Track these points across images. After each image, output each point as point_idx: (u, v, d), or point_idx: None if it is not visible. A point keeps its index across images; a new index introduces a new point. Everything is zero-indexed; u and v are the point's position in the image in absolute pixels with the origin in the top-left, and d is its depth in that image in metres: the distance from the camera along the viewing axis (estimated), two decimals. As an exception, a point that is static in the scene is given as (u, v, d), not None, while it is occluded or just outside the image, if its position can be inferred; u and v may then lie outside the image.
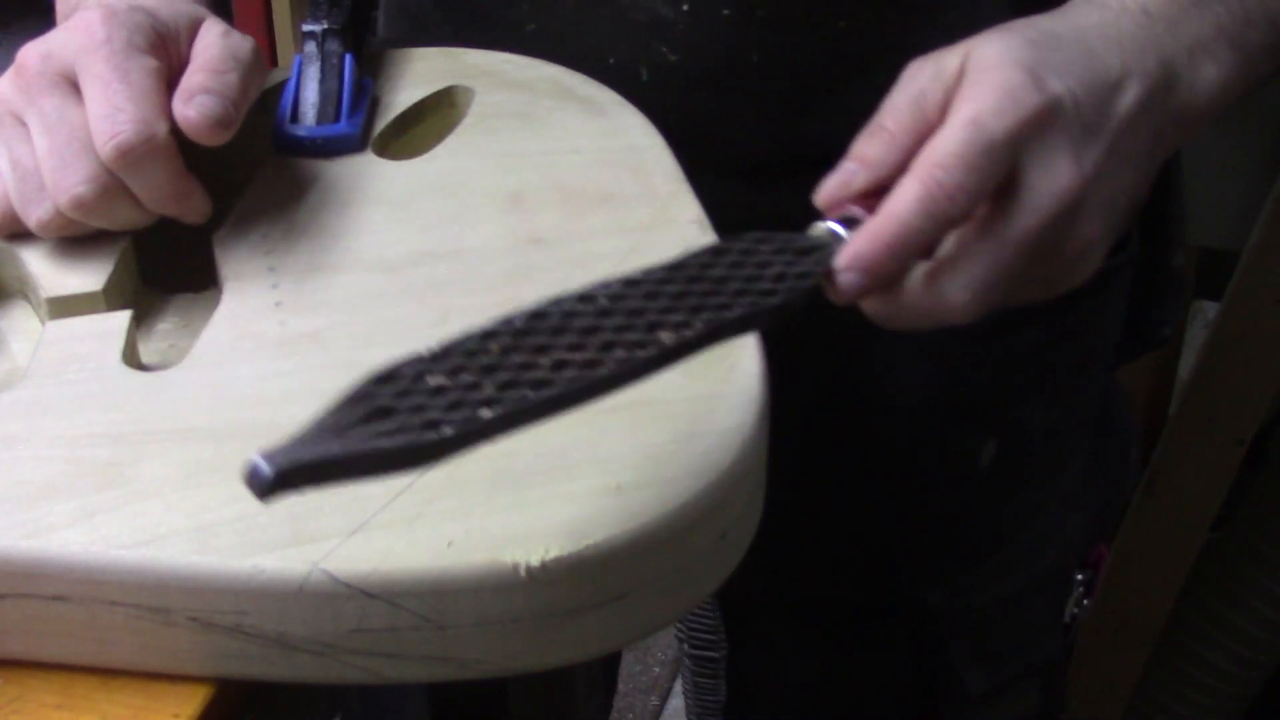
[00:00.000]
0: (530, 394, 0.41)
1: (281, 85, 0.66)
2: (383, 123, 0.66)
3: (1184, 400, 1.11)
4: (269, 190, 0.61)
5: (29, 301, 0.58)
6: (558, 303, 0.43)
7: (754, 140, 0.70)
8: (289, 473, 0.37)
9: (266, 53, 1.33)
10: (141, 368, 0.54)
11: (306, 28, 0.66)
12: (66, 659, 0.48)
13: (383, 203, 0.60)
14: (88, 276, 0.56)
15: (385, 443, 0.38)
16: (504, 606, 0.46)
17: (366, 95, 0.66)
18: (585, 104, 0.66)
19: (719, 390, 0.51)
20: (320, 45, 0.66)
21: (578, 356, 0.42)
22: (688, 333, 0.44)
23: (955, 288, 0.50)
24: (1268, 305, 1.03)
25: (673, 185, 0.61)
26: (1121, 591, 1.19)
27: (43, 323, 0.56)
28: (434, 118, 0.67)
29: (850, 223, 0.50)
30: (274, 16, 1.86)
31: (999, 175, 0.50)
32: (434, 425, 0.39)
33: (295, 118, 0.64)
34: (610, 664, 1.11)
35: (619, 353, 0.42)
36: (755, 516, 0.52)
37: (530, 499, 0.47)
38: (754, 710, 0.91)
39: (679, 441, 0.49)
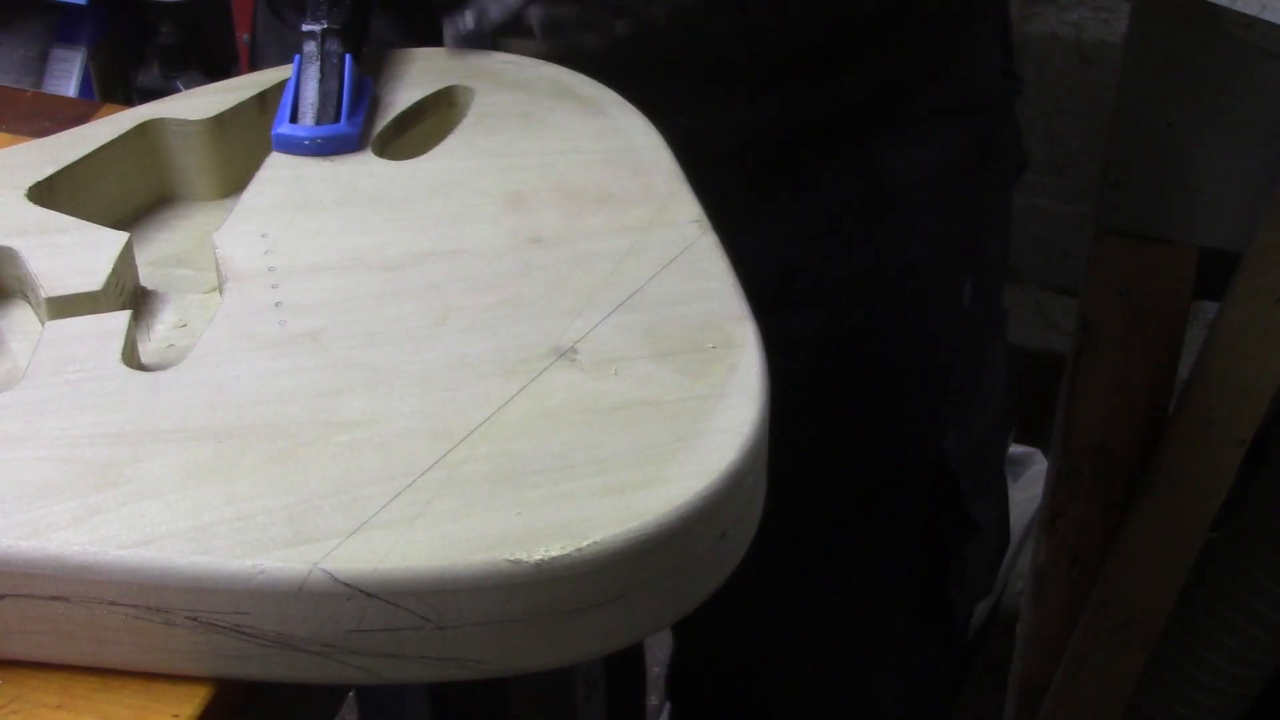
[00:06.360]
0: None
1: (281, 85, 0.66)
2: (383, 123, 0.65)
3: (1184, 400, 1.10)
4: (269, 190, 0.61)
5: (29, 301, 0.58)
6: None
7: (777, 35, 0.74)
8: None
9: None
10: (141, 368, 0.54)
11: (306, 28, 0.66)
12: (66, 659, 0.48)
13: (382, 202, 0.60)
14: (88, 276, 0.56)
15: None
16: (504, 606, 0.46)
17: (366, 95, 0.66)
18: (585, 104, 0.66)
19: (719, 390, 0.51)
20: (320, 45, 0.66)
21: None
22: None
23: None
24: (1268, 305, 1.03)
25: (673, 185, 0.61)
26: (1121, 591, 1.18)
27: (42, 323, 0.56)
28: (434, 118, 0.67)
29: None
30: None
31: None
32: None
33: (295, 118, 0.64)
34: (624, 664, 1.11)
35: None
36: (755, 516, 0.52)
37: (530, 499, 0.47)
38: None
39: (679, 441, 0.49)
